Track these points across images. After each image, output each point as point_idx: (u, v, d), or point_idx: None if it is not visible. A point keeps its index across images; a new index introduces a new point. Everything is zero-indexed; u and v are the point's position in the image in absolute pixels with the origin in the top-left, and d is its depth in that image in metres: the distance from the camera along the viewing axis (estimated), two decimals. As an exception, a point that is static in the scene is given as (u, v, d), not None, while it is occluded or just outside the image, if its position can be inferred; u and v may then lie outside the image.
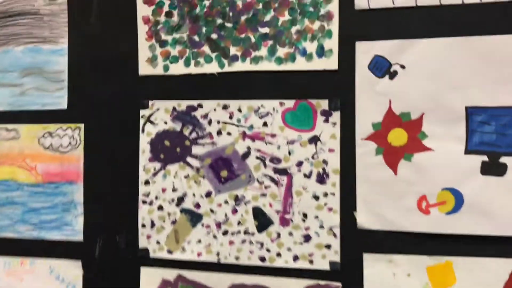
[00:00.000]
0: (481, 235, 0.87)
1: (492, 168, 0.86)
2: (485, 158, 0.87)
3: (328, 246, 0.95)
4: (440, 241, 0.89)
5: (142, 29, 1.05)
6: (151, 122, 1.05)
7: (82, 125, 1.11)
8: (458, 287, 0.88)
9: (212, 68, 1.02)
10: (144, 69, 1.06)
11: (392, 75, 0.91)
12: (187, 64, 1.03)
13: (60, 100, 1.12)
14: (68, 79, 1.11)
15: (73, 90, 1.11)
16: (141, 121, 1.06)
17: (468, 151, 0.87)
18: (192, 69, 1.03)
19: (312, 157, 0.96)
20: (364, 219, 0.93)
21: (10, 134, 1.16)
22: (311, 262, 0.96)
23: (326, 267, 0.95)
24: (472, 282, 0.87)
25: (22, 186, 1.14)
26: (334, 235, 0.95)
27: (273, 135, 0.98)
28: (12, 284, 1.15)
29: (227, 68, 1.01)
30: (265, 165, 0.99)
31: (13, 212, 1.15)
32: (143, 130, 1.06)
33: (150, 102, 1.05)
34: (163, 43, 1.04)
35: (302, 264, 0.96)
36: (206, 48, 1.02)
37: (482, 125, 0.87)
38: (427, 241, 0.90)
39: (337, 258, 0.95)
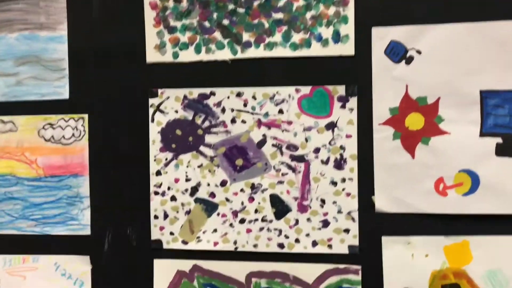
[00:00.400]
0: (496, 214, 0.90)
1: (506, 149, 0.89)
2: (499, 140, 0.90)
3: (347, 231, 0.96)
4: (457, 222, 0.92)
5: (150, 15, 1.02)
6: (161, 111, 1.03)
7: (86, 116, 1.06)
8: (474, 264, 0.92)
9: (225, 54, 1.00)
10: (152, 56, 1.02)
11: (409, 60, 0.92)
12: (197, 51, 1.01)
13: (61, 90, 1.07)
14: (69, 68, 1.07)
15: (75, 79, 1.06)
16: (150, 110, 1.03)
17: (483, 134, 0.90)
18: (203, 56, 1.00)
19: (329, 143, 0.97)
20: (382, 203, 0.95)
21: (6, 126, 1.10)
22: (330, 246, 0.97)
23: (345, 251, 0.97)
24: (488, 260, 0.91)
25: (21, 181, 1.09)
26: (353, 219, 0.96)
27: (289, 122, 0.98)
28: (14, 283, 1.10)
29: (240, 55, 0.99)
30: (281, 152, 0.98)
31: (13, 208, 1.09)
32: (152, 120, 1.03)
33: (160, 91, 1.02)
34: (171, 30, 1.01)
35: (321, 249, 0.97)
36: (217, 34, 1.00)
37: (496, 108, 0.90)
38: (444, 222, 0.92)
39: (355, 242, 0.96)
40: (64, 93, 1.07)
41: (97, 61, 1.05)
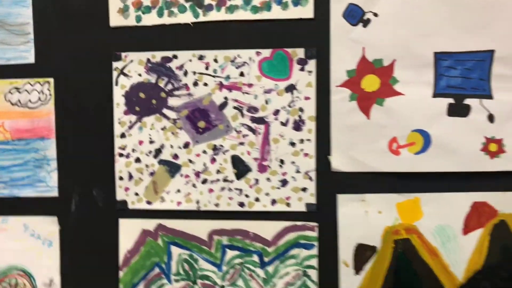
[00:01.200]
0: (446, 172, 0.94)
1: (458, 110, 0.92)
2: (451, 100, 0.93)
3: (304, 189, 1.00)
4: (409, 180, 0.95)
5: (112, -22, 1.02)
6: (125, 75, 1.04)
7: (51, 80, 1.07)
8: (425, 220, 0.95)
9: (187, 18, 1.01)
10: (116, 20, 1.03)
11: (366, 23, 0.94)
12: (160, 14, 1.02)
13: (26, 54, 1.08)
14: (34, 32, 1.07)
15: (40, 43, 1.07)
16: (114, 74, 1.04)
17: (436, 95, 0.93)
18: (166, 20, 1.01)
19: (289, 106, 0.99)
20: (338, 162, 0.98)
21: (-28, 90, 1.10)
22: (288, 205, 1.00)
23: (303, 209, 1.00)
24: (437, 215, 0.95)
25: (-11, 144, 1.11)
26: (310, 178, 0.99)
27: (250, 85, 1.00)
28: (-16, 244, 1.12)
29: (202, 18, 1.00)
30: (242, 114, 1.01)
31: (-19, 171, 1.11)
32: (116, 83, 1.05)
33: (123, 54, 1.04)
34: (134, -8, 1.02)
35: (279, 207, 1.01)
36: (179, -3, 1.01)
37: (449, 70, 0.92)
38: (397, 180, 0.96)
39: (313, 200, 0.99)
40: (29, 57, 1.08)
41: (62, 25, 1.06)
